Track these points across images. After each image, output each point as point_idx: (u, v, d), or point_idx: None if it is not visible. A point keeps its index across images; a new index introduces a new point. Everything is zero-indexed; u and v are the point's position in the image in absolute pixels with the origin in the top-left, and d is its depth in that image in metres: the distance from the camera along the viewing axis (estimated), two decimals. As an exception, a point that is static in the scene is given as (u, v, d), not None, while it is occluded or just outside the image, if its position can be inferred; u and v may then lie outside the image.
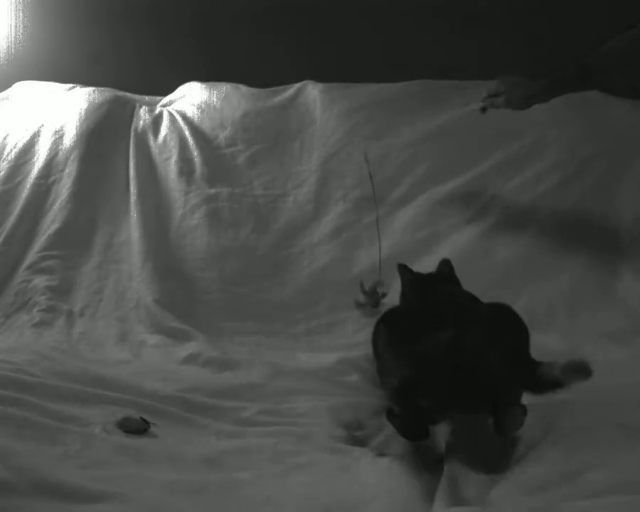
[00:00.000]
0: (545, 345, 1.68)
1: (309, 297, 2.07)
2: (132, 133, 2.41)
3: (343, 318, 2.01)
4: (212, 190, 2.27)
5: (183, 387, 1.54)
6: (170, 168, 2.32)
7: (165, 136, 2.40)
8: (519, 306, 1.93)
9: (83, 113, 2.42)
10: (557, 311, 1.99)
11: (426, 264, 1.98)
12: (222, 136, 2.41)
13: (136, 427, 1.32)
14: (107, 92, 2.52)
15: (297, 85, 2.52)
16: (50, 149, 2.35)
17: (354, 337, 1.92)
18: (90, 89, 2.53)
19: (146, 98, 2.57)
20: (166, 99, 2.56)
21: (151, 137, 2.41)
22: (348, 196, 2.27)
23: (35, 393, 1.37)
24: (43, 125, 2.42)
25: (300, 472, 1.23)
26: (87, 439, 1.24)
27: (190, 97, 2.53)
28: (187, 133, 2.40)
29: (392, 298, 1.91)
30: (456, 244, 2.14)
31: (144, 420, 1.33)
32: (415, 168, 2.31)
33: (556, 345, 1.78)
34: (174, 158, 2.34)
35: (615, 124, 2.34)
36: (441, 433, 1.33)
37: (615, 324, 1.90)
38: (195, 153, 2.35)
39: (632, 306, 1.97)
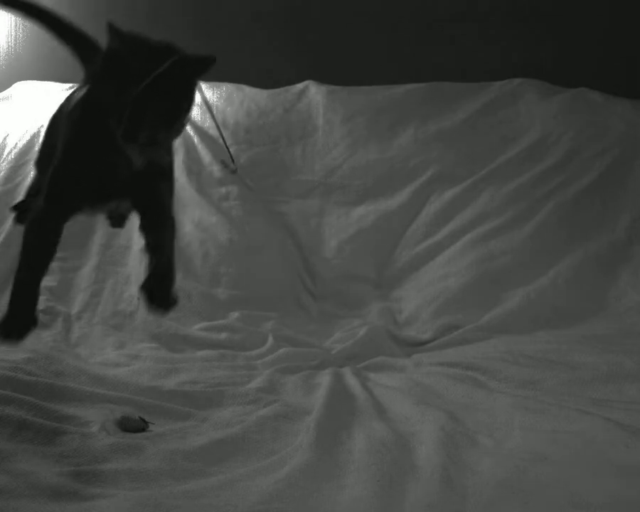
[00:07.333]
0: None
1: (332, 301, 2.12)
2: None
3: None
4: (223, 189, 2.27)
5: (182, 381, 1.54)
6: (178, 167, 2.31)
7: (169, 135, 2.39)
8: (513, 306, 1.94)
9: (83, 113, 2.41)
10: (550, 308, 1.99)
11: (426, 272, 2.05)
12: (225, 135, 2.40)
13: (135, 427, 1.31)
14: (107, 92, 2.51)
15: (300, 86, 2.52)
16: (50, 150, 2.35)
17: None
18: (90, 89, 2.52)
19: (146, 97, 2.57)
20: (166, 98, 2.55)
21: (154, 136, 2.39)
22: None
23: (33, 392, 1.36)
24: (43, 125, 2.41)
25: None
26: (85, 439, 1.23)
27: (191, 97, 2.52)
28: (190, 132, 2.39)
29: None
30: (455, 249, 2.15)
31: (143, 420, 1.33)
32: (420, 172, 2.30)
33: (542, 345, 1.78)
34: (181, 157, 2.33)
35: (615, 124, 2.33)
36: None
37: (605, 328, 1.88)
38: (203, 152, 2.34)
39: (625, 306, 1.96)
